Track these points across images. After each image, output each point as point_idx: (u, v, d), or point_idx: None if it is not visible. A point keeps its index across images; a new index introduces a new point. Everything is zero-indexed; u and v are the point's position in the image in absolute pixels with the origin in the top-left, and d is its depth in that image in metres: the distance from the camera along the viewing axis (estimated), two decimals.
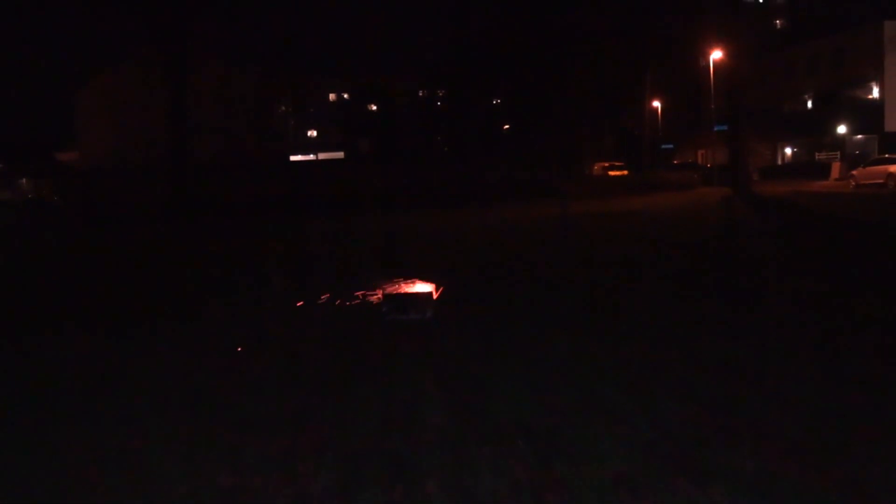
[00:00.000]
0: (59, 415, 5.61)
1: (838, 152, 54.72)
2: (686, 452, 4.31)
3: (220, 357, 7.20)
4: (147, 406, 5.68)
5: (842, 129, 55.32)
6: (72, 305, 11.03)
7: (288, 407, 5.47)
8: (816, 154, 58.11)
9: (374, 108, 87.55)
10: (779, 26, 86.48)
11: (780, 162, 63.05)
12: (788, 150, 63.82)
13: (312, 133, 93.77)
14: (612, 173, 56.65)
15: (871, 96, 54.05)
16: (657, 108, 64.10)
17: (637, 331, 7.49)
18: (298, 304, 9.54)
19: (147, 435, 5.02)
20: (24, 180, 76.84)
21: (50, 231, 30.07)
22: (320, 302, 9.66)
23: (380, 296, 9.02)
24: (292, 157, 72.60)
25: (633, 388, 5.54)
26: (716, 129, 48.45)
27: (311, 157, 79.61)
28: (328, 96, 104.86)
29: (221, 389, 6.05)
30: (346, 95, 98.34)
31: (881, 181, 34.46)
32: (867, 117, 53.42)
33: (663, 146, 69.12)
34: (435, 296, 8.74)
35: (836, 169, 46.56)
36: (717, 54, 43.01)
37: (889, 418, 4.74)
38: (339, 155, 77.29)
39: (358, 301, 9.38)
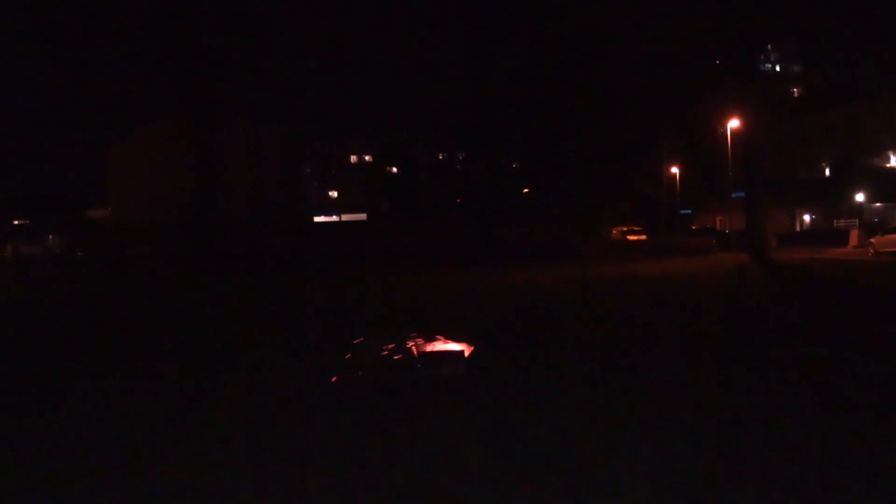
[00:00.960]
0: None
1: (857, 219, 55.16)
2: (698, 491, 4.88)
3: (274, 404, 7.81)
4: (218, 447, 6.30)
5: (860, 197, 55.86)
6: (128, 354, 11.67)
7: (340, 447, 6.07)
8: (835, 221, 58.54)
9: (395, 169, 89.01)
10: (795, 94, 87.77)
11: (798, 228, 63.51)
12: (807, 217, 64.33)
13: (334, 193, 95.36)
14: (630, 237, 57.24)
15: (889, 164, 54.70)
16: (675, 174, 64.97)
17: (653, 386, 8.06)
18: (347, 357, 10.08)
19: (219, 470, 5.64)
20: (51, 236, 78.57)
21: (73, 285, 30.87)
22: (356, 356, 10.26)
23: (414, 352, 9.60)
24: (315, 218, 73.82)
25: (650, 436, 6.12)
26: (733, 195, 49.12)
27: (335, 217, 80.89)
28: (350, 158, 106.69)
29: (279, 432, 6.66)
30: (367, 157, 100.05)
31: None
32: (885, 185, 53.97)
33: (681, 211, 69.77)
34: (466, 353, 9.33)
35: (854, 236, 46.96)
36: (734, 122, 43.87)
37: (881, 464, 5.30)
38: (362, 216, 78.47)
39: (394, 356, 9.96)
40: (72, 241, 68.02)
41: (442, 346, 9.48)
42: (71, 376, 10.04)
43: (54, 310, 21.23)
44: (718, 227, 65.94)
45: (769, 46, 66.97)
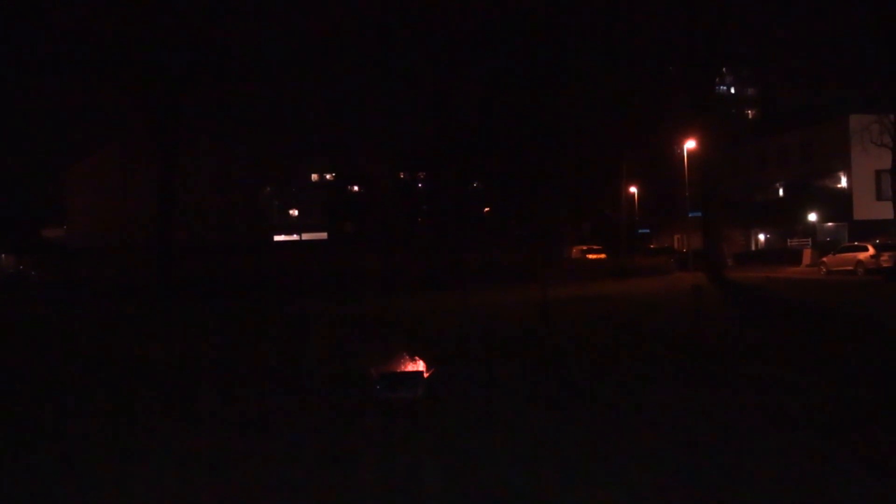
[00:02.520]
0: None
1: (809, 239, 56.32)
2: None
3: (230, 430, 7.76)
4: (169, 475, 6.24)
5: (812, 217, 57.06)
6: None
7: (297, 475, 6.06)
8: (788, 241, 59.68)
9: (357, 188, 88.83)
10: (751, 116, 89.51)
11: (753, 248, 64.66)
12: (762, 237, 65.52)
13: (294, 212, 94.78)
14: (590, 256, 57.74)
15: (840, 185, 55.96)
16: (634, 194, 65.75)
17: (611, 410, 8.15)
18: (303, 380, 10.04)
19: (172, 499, 5.59)
20: (3, 256, 76.97)
21: (25, 307, 30.34)
22: (313, 380, 10.23)
23: (372, 374, 9.57)
24: (276, 237, 73.36)
25: (608, 460, 6.19)
26: (690, 214, 49.83)
27: (295, 236, 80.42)
28: (310, 177, 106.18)
29: (233, 459, 6.61)
30: (328, 176, 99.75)
31: (850, 268, 35.66)
32: (837, 206, 55.22)
33: (640, 230, 70.57)
34: (426, 375, 9.34)
35: (807, 255, 47.96)
36: (690, 143, 44.57)
37: (834, 485, 5.43)
38: (322, 235, 78.13)
39: (352, 379, 9.94)
40: (26, 261, 66.79)
41: (401, 367, 9.46)
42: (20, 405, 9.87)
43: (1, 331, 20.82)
44: (676, 246, 66.86)
45: (724, 70, 68.26)
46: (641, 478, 5.71)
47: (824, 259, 39.11)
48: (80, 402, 9.75)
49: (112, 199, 52.09)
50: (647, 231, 73.67)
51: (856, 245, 37.84)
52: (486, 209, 72.69)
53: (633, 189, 65.04)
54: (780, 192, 63.18)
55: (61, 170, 60.18)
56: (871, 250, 35.41)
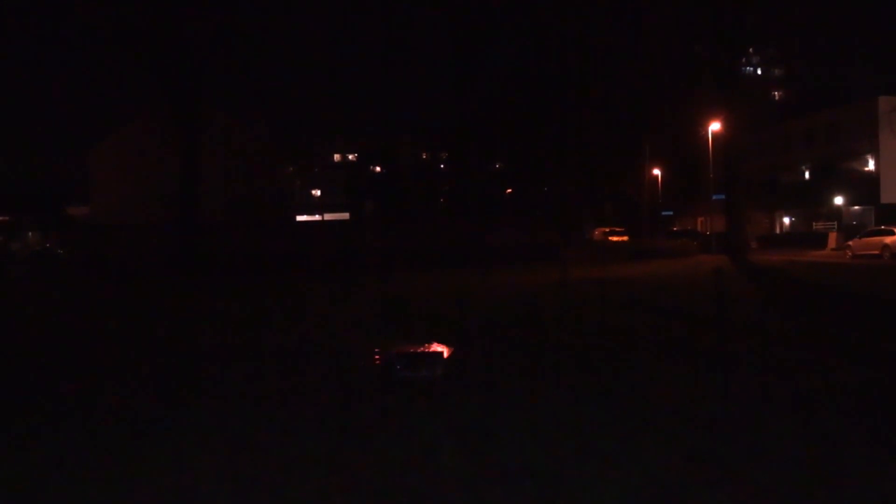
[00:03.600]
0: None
1: (835, 222, 55.81)
2: (671, 495, 4.97)
3: (253, 408, 7.85)
4: (197, 451, 6.34)
5: (839, 200, 56.49)
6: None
7: (319, 451, 6.13)
8: (814, 224, 59.18)
9: (378, 169, 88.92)
10: (777, 98, 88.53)
11: (778, 231, 64.14)
12: (787, 220, 64.96)
13: (317, 192, 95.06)
14: (612, 238, 57.70)
15: (867, 168, 55.32)
16: (657, 176, 65.38)
17: (630, 390, 8.16)
18: (326, 359, 10.11)
19: (197, 475, 5.68)
20: (31, 233, 77.93)
21: (53, 283, 30.72)
22: (336, 358, 10.30)
23: (392, 353, 9.63)
24: (298, 217, 73.72)
25: (625, 440, 6.21)
26: (714, 197, 49.53)
27: (317, 216, 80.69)
28: (333, 157, 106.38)
29: (259, 436, 6.71)
30: (350, 156, 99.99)
31: (877, 252, 35.28)
32: (864, 189, 54.62)
33: (663, 213, 70.26)
34: (445, 355, 9.39)
35: (832, 239, 47.52)
36: (715, 125, 44.20)
37: (849, 468, 5.41)
38: (345, 215, 78.37)
39: (373, 358, 9.99)
40: (52, 238, 67.59)
41: (420, 347, 9.53)
42: (53, 376, 10.03)
43: (34, 308, 21.12)
44: (699, 228, 66.52)
45: (750, 50, 67.39)
46: (658, 458, 5.72)
47: (850, 243, 38.71)
48: (105, 380, 9.89)
49: (135, 176, 52.54)
50: (671, 213, 73.32)
51: (882, 229, 37.39)
52: (509, 190, 72.57)
53: (656, 171, 64.73)
54: (806, 174, 62.56)
55: (85, 148, 60.68)
56: None
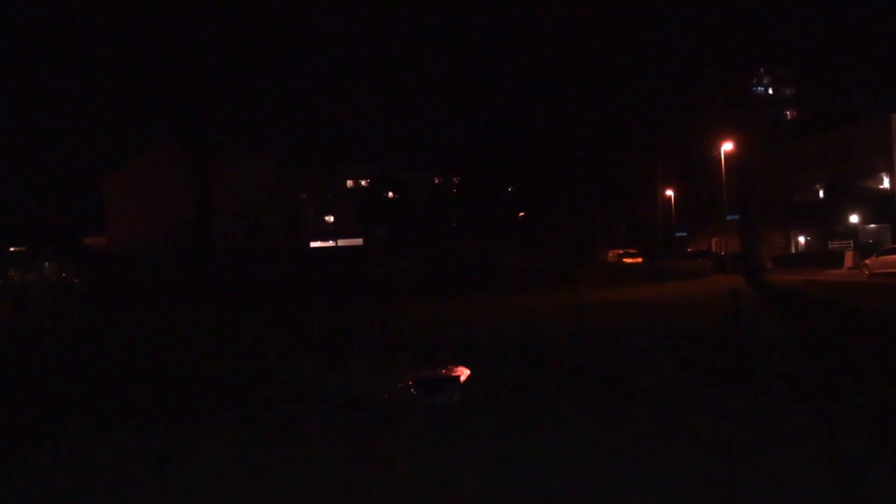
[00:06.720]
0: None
1: (851, 241, 55.41)
2: None
3: (272, 434, 7.81)
4: (212, 482, 6.29)
5: (854, 219, 56.13)
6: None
7: (336, 478, 6.07)
8: (829, 243, 58.79)
9: (391, 194, 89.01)
10: (789, 117, 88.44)
11: (793, 250, 63.74)
12: (802, 239, 64.57)
13: (330, 218, 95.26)
14: (626, 260, 57.48)
15: (882, 186, 55.04)
16: (670, 197, 65.21)
17: (647, 413, 8.07)
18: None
19: (216, 502, 5.63)
20: (47, 263, 78.34)
21: (70, 313, 30.80)
22: (353, 384, 10.24)
23: (409, 379, 9.56)
24: (312, 244, 73.85)
25: (644, 464, 6.13)
26: (728, 217, 49.30)
27: (331, 242, 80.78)
28: (345, 183, 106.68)
29: (277, 463, 6.65)
30: (363, 182, 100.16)
31: (894, 270, 34.94)
32: (879, 207, 54.30)
33: (677, 234, 70.01)
34: (462, 380, 9.31)
35: (849, 258, 47.15)
36: (727, 145, 44.12)
37: (872, 491, 5.31)
38: (358, 241, 78.42)
39: (390, 384, 9.92)
40: (68, 268, 67.90)
41: (437, 373, 9.45)
42: (68, 408, 10.01)
43: (53, 339, 21.16)
44: (714, 249, 66.21)
45: (761, 70, 67.50)
46: (676, 482, 5.64)
47: (867, 261, 38.37)
48: (123, 404, 9.87)
49: (150, 206, 52.88)
50: (685, 234, 73.04)
51: None
52: (521, 213, 72.49)
53: (669, 192, 64.55)
54: (821, 193, 62.25)
55: (100, 179, 61.18)
56: None
